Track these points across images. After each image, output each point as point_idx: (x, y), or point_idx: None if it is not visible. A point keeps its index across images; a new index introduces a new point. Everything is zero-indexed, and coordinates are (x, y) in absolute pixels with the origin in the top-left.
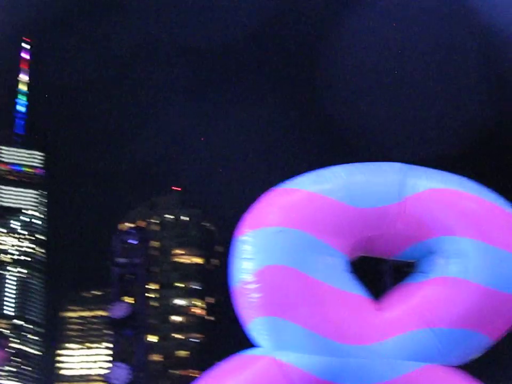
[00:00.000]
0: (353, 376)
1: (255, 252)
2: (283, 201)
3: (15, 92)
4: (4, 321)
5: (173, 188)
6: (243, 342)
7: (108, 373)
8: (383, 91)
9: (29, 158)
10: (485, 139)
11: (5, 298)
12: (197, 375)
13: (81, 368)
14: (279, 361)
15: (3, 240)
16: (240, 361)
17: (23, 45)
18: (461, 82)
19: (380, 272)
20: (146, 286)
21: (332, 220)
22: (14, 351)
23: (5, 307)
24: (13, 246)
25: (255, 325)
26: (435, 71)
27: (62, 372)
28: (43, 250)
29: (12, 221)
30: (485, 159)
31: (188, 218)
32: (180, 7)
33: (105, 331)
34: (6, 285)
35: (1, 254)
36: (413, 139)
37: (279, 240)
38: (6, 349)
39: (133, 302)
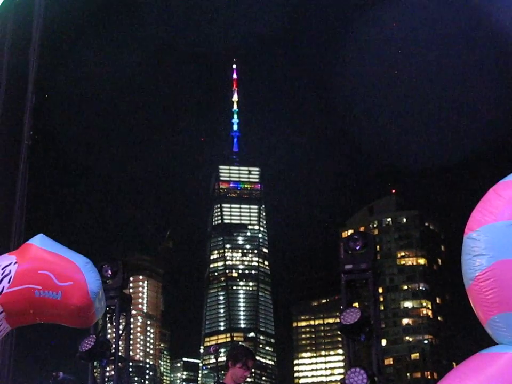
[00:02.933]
0: None
1: (486, 248)
2: (510, 194)
3: (230, 113)
4: (239, 334)
5: (390, 190)
6: (475, 340)
7: (345, 379)
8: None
9: (247, 175)
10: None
11: (238, 312)
12: (430, 377)
13: (316, 375)
14: None
15: (231, 256)
16: (482, 360)
17: (233, 66)
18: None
19: None
20: (374, 291)
21: None
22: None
23: (238, 320)
24: (240, 261)
25: (493, 321)
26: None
27: (297, 380)
28: (268, 263)
29: (237, 237)
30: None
31: (406, 220)
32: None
33: (337, 338)
34: (238, 299)
35: (231, 270)
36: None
37: (510, 234)
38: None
39: (362, 307)
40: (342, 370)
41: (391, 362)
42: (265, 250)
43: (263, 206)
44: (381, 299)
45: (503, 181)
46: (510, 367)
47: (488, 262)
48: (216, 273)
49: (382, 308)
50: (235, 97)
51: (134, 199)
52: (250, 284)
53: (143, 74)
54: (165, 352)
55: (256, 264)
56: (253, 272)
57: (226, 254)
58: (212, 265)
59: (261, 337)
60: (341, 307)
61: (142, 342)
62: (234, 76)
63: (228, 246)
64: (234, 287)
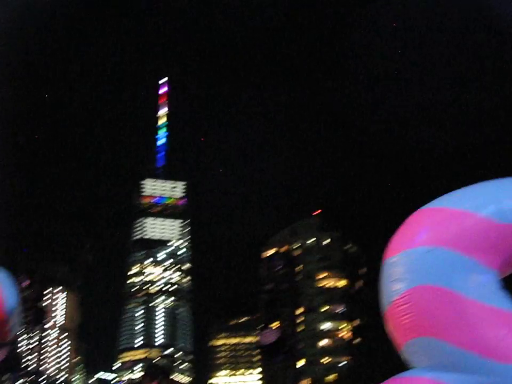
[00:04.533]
0: None
1: (405, 272)
2: (431, 220)
3: (155, 128)
4: (156, 350)
5: (313, 212)
6: (392, 363)
7: None
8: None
9: (171, 189)
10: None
11: (156, 328)
12: None
13: None
14: (437, 381)
15: (151, 271)
16: (398, 383)
17: (162, 80)
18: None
19: None
20: (293, 311)
21: (481, 237)
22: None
23: (156, 337)
24: (160, 276)
25: (408, 346)
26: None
27: None
28: (189, 279)
29: (158, 252)
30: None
31: (329, 241)
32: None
33: (254, 357)
34: (156, 315)
35: (150, 285)
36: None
37: (429, 259)
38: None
39: (281, 327)
40: None
41: (310, 383)
42: (187, 266)
43: (187, 222)
44: (300, 320)
45: (424, 208)
46: None
47: (406, 287)
48: (135, 288)
49: (301, 329)
50: (162, 112)
51: (54, 210)
52: (170, 300)
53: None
54: (80, 367)
55: (176, 280)
56: (173, 288)
57: (146, 269)
58: (131, 280)
59: (178, 354)
60: (260, 326)
61: (56, 356)
62: (164, 89)
63: (148, 261)
64: (153, 303)
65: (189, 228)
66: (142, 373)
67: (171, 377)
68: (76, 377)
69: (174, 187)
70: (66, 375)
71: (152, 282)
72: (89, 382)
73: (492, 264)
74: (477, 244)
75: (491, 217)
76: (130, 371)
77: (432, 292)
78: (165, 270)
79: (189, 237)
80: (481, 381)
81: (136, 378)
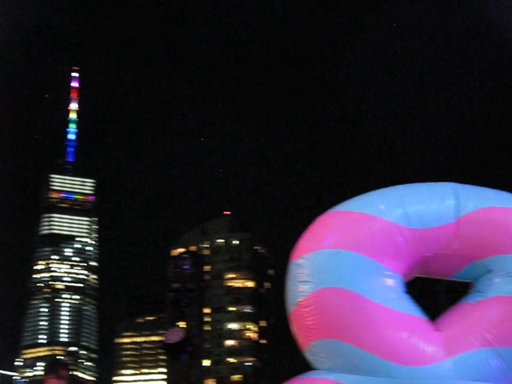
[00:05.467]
0: None
1: (310, 274)
2: (337, 223)
3: (66, 121)
4: (59, 347)
5: (224, 212)
6: (296, 364)
7: None
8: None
9: (80, 186)
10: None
11: (60, 325)
12: None
13: None
14: (338, 383)
15: (57, 268)
16: None
17: (73, 74)
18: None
19: (435, 292)
20: (200, 311)
21: (387, 241)
22: (70, 377)
23: (60, 334)
24: (66, 273)
25: (312, 347)
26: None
27: None
28: (96, 277)
29: (65, 248)
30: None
31: (238, 242)
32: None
33: (160, 356)
34: (61, 312)
35: (56, 281)
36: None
37: (334, 262)
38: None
39: (187, 326)
40: None
41: (215, 383)
42: (94, 263)
43: (95, 219)
44: (207, 319)
45: (331, 210)
46: None
47: (312, 289)
48: (40, 284)
49: (208, 328)
50: (73, 106)
51: None
52: (75, 297)
53: None
54: None
55: (83, 277)
56: (79, 285)
57: (52, 265)
58: (36, 276)
59: (83, 352)
60: (166, 325)
61: None
62: (75, 84)
63: (54, 257)
64: (58, 300)
65: (97, 226)
66: (41, 371)
67: (71, 373)
68: None
69: (83, 183)
70: None
71: (58, 279)
72: None
73: (396, 268)
74: (382, 248)
75: (397, 222)
76: (32, 368)
77: (337, 294)
78: (71, 267)
79: (97, 234)
80: (382, 382)
81: (38, 375)
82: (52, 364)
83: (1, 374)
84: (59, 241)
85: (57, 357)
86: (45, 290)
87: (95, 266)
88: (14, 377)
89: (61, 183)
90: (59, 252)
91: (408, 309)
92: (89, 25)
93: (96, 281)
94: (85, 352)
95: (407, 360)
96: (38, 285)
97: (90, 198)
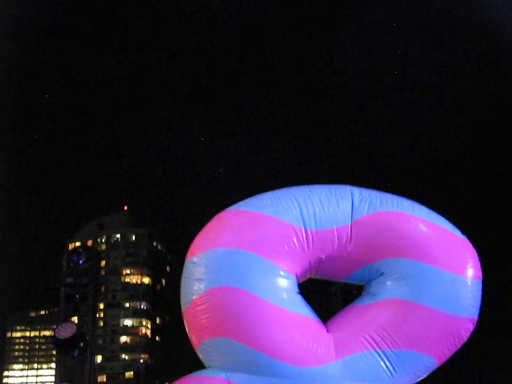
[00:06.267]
0: None
1: (205, 273)
2: (234, 222)
3: None
4: None
5: (123, 207)
6: (190, 362)
7: None
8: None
9: None
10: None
11: None
12: None
13: None
14: (230, 382)
15: None
16: (191, 382)
17: None
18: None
19: (328, 294)
20: (94, 306)
21: (282, 241)
22: None
23: None
24: None
25: (204, 346)
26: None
27: None
28: None
29: None
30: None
31: (136, 238)
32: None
33: (51, 351)
34: None
35: None
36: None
37: (229, 261)
38: None
39: (80, 322)
40: None
41: (105, 380)
42: None
43: None
44: (102, 315)
45: (228, 209)
46: None
47: (206, 287)
48: None
49: (102, 324)
50: None
51: None
52: None
53: None
54: None
55: None
56: None
57: None
58: None
59: None
60: (58, 320)
61: None
62: None
63: None
64: None
65: None
66: None
67: None
68: None
69: None
70: None
71: None
72: None
73: (291, 269)
74: (278, 249)
75: (293, 223)
76: None
77: (230, 293)
78: None
79: None
80: (272, 382)
81: None
82: None
83: None
84: None
85: None
86: None
87: None
88: None
89: None
90: None
91: (300, 309)
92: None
93: None
94: None
95: (297, 360)
96: None
97: None
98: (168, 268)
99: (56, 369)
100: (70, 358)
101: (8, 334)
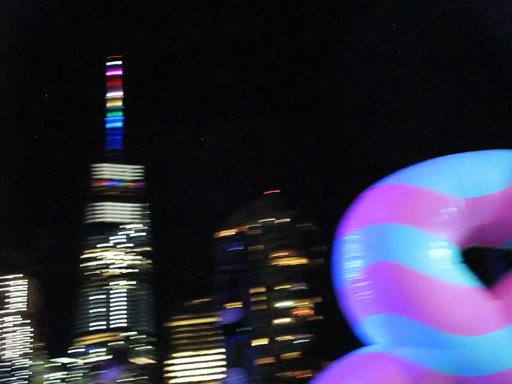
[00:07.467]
0: (470, 367)
1: (363, 249)
2: (388, 197)
3: (104, 110)
4: (117, 333)
5: (266, 192)
6: (351, 340)
7: (223, 378)
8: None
9: (129, 173)
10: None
11: (117, 311)
12: (308, 375)
13: (195, 375)
14: (398, 357)
15: (111, 255)
16: (359, 359)
17: (112, 63)
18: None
19: (490, 260)
20: (252, 291)
21: (439, 212)
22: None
23: (117, 320)
24: (121, 259)
25: (369, 322)
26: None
27: (176, 380)
28: (149, 262)
29: (117, 236)
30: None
31: (287, 220)
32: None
33: (215, 337)
34: (114, 298)
35: (110, 269)
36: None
37: (387, 236)
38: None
39: (241, 306)
40: (220, 370)
41: (272, 361)
42: (147, 248)
43: (144, 205)
44: (261, 299)
45: (379, 184)
46: (386, 367)
47: (366, 263)
48: (95, 272)
49: (261, 308)
50: (113, 94)
51: (9, 197)
52: (131, 282)
53: None
54: (39, 352)
55: (137, 262)
56: (134, 270)
57: (106, 253)
58: (90, 264)
59: (141, 336)
60: (221, 306)
61: (17, 342)
62: (116, 72)
63: (105, 244)
64: (114, 286)
65: (148, 211)
66: (100, 357)
67: (132, 361)
68: (37, 363)
69: (132, 170)
70: (28, 361)
71: (110, 266)
72: (48, 366)
73: (451, 239)
74: (435, 220)
75: (449, 192)
76: (87, 355)
77: (390, 268)
78: (122, 253)
79: (149, 220)
80: (439, 354)
81: (93, 362)
82: (114, 351)
83: (61, 361)
84: (109, 228)
85: (117, 343)
86: (97, 277)
87: (148, 251)
88: (71, 364)
89: (109, 171)
90: (109, 239)
91: (464, 279)
92: (124, 13)
93: (150, 266)
94: (144, 336)
95: (463, 330)
96: (92, 272)
97: (137, 184)
98: (323, 247)
99: (224, 353)
100: (235, 342)
101: (173, 323)
